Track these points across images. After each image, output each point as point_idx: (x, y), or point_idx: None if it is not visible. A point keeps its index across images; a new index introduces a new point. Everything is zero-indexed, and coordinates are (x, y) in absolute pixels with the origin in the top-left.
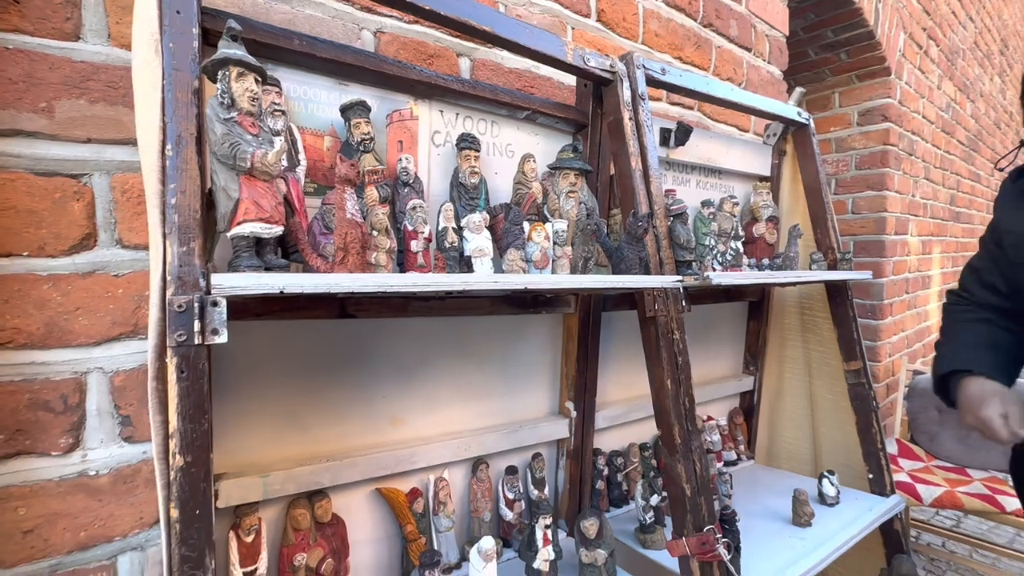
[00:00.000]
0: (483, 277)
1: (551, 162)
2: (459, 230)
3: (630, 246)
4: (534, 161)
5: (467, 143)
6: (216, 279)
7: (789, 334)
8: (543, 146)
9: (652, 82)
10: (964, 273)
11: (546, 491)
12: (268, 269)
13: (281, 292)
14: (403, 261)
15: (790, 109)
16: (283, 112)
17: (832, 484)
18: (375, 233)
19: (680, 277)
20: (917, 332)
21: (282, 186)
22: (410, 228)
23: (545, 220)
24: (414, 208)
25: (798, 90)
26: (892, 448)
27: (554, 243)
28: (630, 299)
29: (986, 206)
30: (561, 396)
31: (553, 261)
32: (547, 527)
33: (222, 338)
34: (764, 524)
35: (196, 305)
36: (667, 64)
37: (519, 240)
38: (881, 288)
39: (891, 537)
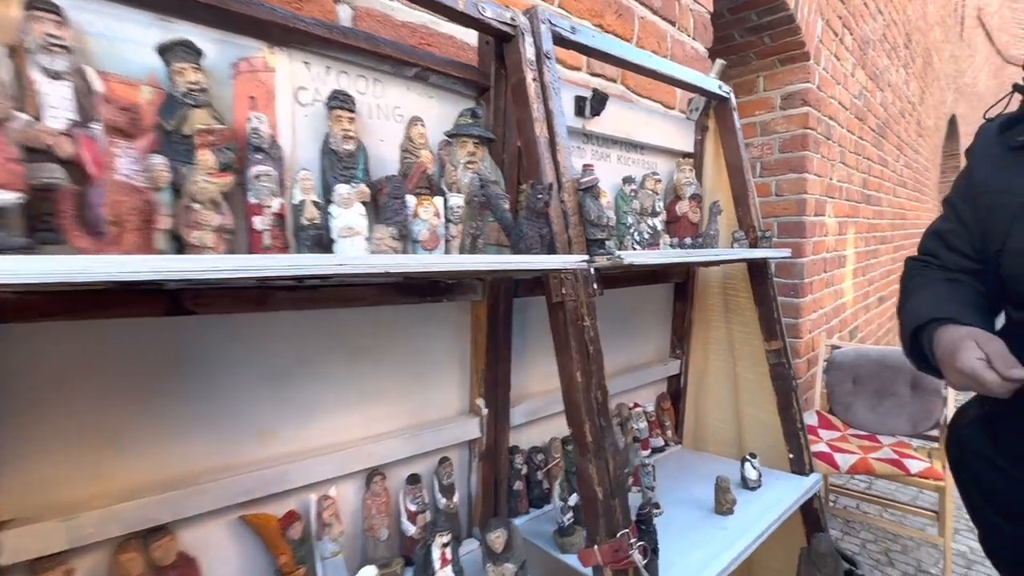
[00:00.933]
0: (307, 260)
1: (448, 129)
2: (323, 204)
3: (530, 222)
4: (422, 125)
5: (338, 102)
6: None
7: (713, 315)
8: (439, 111)
9: (561, 41)
10: (926, 239)
11: (455, 498)
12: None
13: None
14: (248, 243)
15: (711, 81)
16: (66, 48)
17: (754, 467)
18: (197, 207)
19: (587, 257)
20: (834, 309)
21: (65, 146)
22: (253, 201)
23: (440, 195)
24: (258, 176)
25: (719, 62)
26: (812, 420)
27: (448, 220)
28: (544, 284)
29: (892, 190)
30: (471, 392)
31: (447, 242)
32: (445, 546)
33: None
34: (687, 514)
35: None
36: (585, 30)
37: (398, 216)
38: (802, 268)
39: (810, 516)
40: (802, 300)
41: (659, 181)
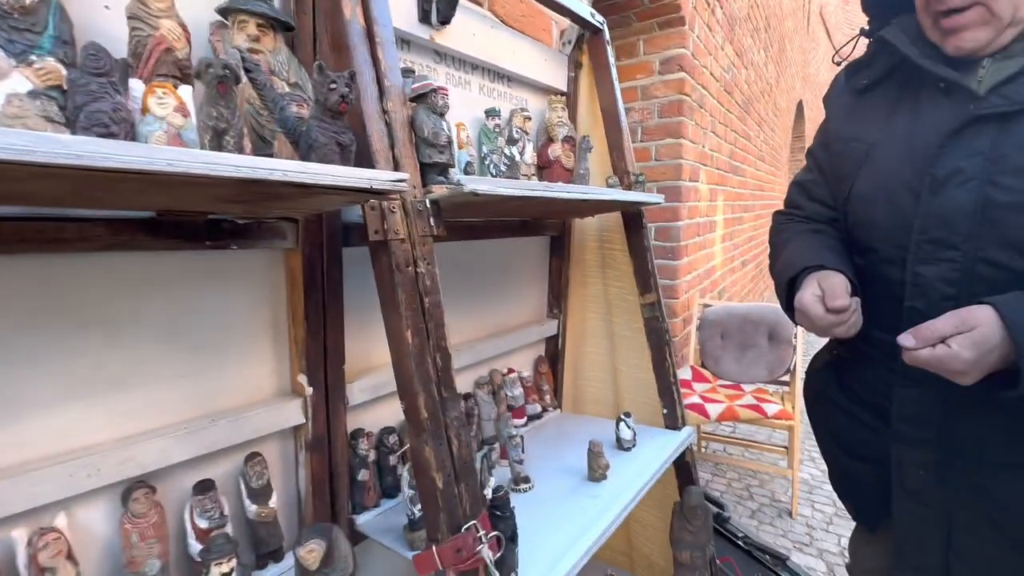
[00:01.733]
0: None
1: (221, 4)
2: None
3: (322, 124)
4: None
5: None
6: None
7: (591, 271)
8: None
9: None
10: (791, 191)
11: (272, 502)
12: None
13: None
14: None
15: (583, 7)
16: None
17: (629, 427)
18: None
19: (405, 175)
20: (707, 271)
21: None
22: None
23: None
24: None
25: None
26: (687, 375)
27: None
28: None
29: (754, 163)
30: (291, 368)
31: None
32: (225, 575)
33: None
34: (560, 484)
35: None
36: None
37: (98, 105)
38: (678, 231)
39: (683, 469)
40: (679, 262)
41: (529, 119)
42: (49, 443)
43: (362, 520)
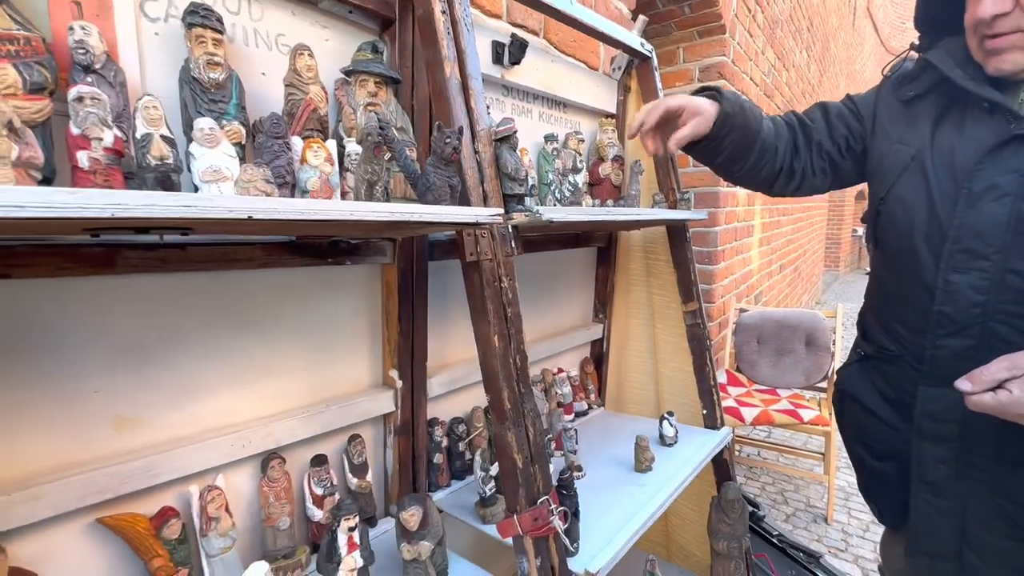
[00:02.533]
0: (131, 198)
1: (346, 65)
2: (174, 140)
3: (437, 170)
4: (311, 55)
5: (199, 17)
6: None
7: (635, 279)
8: (334, 44)
9: None
10: (813, 106)
11: (369, 477)
12: None
13: None
14: (73, 183)
15: (634, 38)
16: None
17: (671, 425)
18: None
19: (501, 210)
20: (743, 275)
21: None
22: (75, 132)
23: (334, 139)
24: (80, 98)
25: (641, 18)
26: (723, 378)
27: (345, 169)
28: (458, 243)
29: None
30: (384, 364)
31: (343, 194)
32: (351, 529)
33: None
34: (609, 473)
35: None
36: None
37: (277, 160)
38: (716, 236)
39: (720, 466)
40: (715, 267)
41: (582, 140)
42: (215, 419)
43: (437, 497)
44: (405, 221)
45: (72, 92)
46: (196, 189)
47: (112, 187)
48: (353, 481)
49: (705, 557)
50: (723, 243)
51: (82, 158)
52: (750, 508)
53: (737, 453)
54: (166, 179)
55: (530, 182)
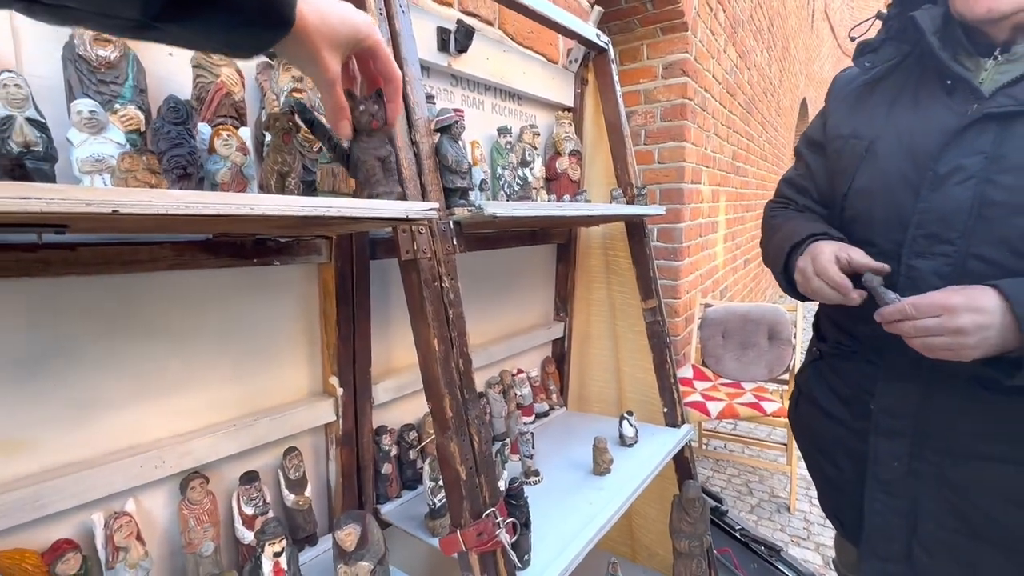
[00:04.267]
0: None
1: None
2: (41, 124)
3: (363, 144)
4: None
5: None
6: None
7: (595, 277)
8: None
9: None
10: (781, 186)
11: (307, 492)
12: None
13: None
14: None
15: (589, 29)
16: None
17: (631, 425)
18: None
19: (435, 204)
20: (708, 271)
21: None
22: None
23: (257, 138)
24: None
25: (597, 9)
26: (688, 373)
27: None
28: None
29: (756, 163)
30: (323, 371)
31: (262, 191)
32: (278, 555)
33: None
34: (567, 477)
35: None
36: None
37: (179, 151)
38: (680, 232)
39: (681, 464)
40: (680, 263)
41: (537, 134)
42: (121, 438)
43: (386, 509)
44: (323, 216)
45: None
46: (78, 182)
47: None
48: (290, 498)
49: (667, 555)
50: (688, 239)
51: None
52: (713, 503)
53: (704, 446)
54: (20, 168)
55: (479, 176)
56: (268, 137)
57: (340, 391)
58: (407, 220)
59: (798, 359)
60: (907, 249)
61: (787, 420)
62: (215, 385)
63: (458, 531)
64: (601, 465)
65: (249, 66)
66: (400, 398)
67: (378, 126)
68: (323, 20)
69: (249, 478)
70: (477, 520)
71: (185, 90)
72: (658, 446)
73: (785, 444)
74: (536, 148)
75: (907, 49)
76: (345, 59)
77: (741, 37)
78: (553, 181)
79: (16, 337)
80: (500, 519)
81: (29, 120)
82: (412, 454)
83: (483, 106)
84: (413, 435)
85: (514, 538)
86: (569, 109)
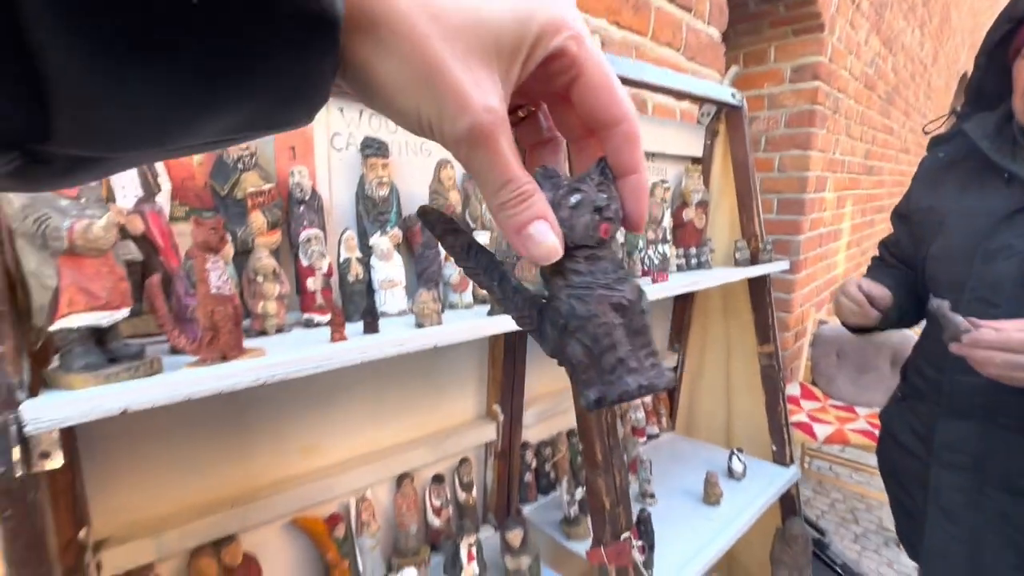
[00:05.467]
0: (376, 343)
1: None
2: (364, 259)
3: (574, 280)
4: (451, 167)
5: (373, 150)
6: (26, 409)
7: (712, 315)
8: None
9: None
10: (879, 247)
11: (474, 493)
12: (113, 360)
13: (124, 412)
14: (301, 302)
15: (724, 91)
16: None
17: (740, 460)
18: (260, 279)
19: None
20: (826, 282)
21: (138, 224)
22: (305, 264)
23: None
24: (308, 240)
25: (733, 69)
26: (795, 391)
27: None
28: None
29: (895, 157)
30: (488, 399)
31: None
32: (471, 545)
33: (56, 462)
34: (678, 503)
35: (13, 428)
36: (603, 30)
37: (432, 268)
38: (798, 245)
39: (787, 502)
40: (796, 276)
41: (668, 189)
42: (366, 447)
43: (526, 510)
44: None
45: (303, 235)
46: (373, 292)
47: (326, 301)
48: (462, 496)
49: None
50: (806, 251)
51: (309, 283)
52: (815, 534)
53: (806, 467)
54: (364, 293)
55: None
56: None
57: (501, 416)
58: None
59: None
60: (962, 310)
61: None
62: (422, 410)
63: (602, 548)
64: (712, 496)
65: (459, 175)
66: (539, 422)
67: (610, 234)
68: (444, 11)
69: (438, 480)
70: (616, 540)
71: (422, 201)
72: (765, 483)
73: None
74: (666, 203)
75: (975, 144)
76: (515, 87)
77: (888, 21)
78: (679, 228)
79: (313, 382)
80: (634, 542)
81: (358, 259)
82: (547, 467)
83: None
84: (548, 451)
85: (643, 558)
86: (697, 160)
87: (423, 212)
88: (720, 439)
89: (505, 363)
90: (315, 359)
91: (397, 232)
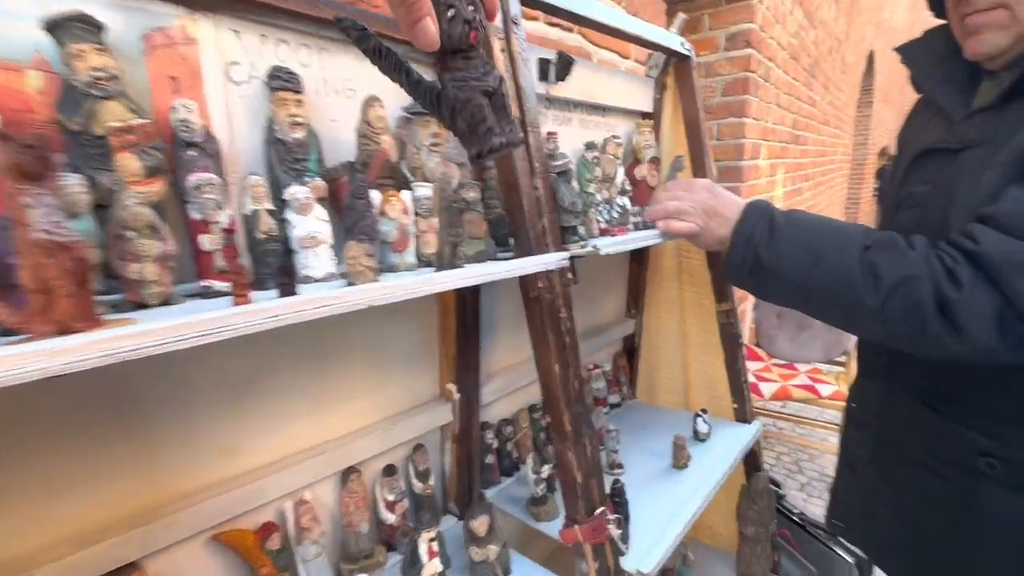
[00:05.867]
0: (291, 305)
1: (407, 104)
2: (277, 214)
3: (458, 75)
4: (381, 106)
5: (281, 82)
6: None
7: (667, 276)
8: (395, 85)
9: (527, 1)
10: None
11: (431, 481)
12: None
13: None
14: (197, 267)
15: (673, 38)
16: None
17: (705, 422)
18: (132, 235)
19: (567, 255)
20: None
21: None
22: (196, 217)
23: (403, 186)
24: (199, 186)
25: (680, 16)
26: None
27: (416, 214)
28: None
29: (817, 128)
30: (442, 378)
31: (416, 237)
32: (432, 540)
33: None
34: (648, 469)
35: None
36: None
37: (365, 222)
38: None
39: (750, 458)
40: None
41: (620, 145)
42: (301, 443)
43: (490, 494)
44: (479, 281)
45: (191, 180)
46: (291, 253)
47: (231, 264)
48: (418, 486)
49: (730, 534)
50: None
51: (204, 241)
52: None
53: None
54: (281, 254)
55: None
56: (422, 193)
57: (457, 396)
58: (539, 272)
59: (855, 341)
60: None
61: (842, 404)
62: (367, 395)
63: (576, 526)
64: (680, 460)
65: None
66: (499, 398)
67: (476, 40)
68: None
69: (390, 471)
70: (591, 516)
71: (348, 150)
72: (731, 442)
73: (837, 424)
74: (619, 159)
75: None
76: None
77: None
78: (633, 187)
79: (230, 369)
80: (609, 516)
81: (268, 211)
82: (509, 445)
83: (570, 123)
84: (510, 429)
85: (620, 531)
86: (648, 115)
87: (336, 19)
88: (680, 401)
89: (458, 337)
90: (203, 326)
91: (320, 183)
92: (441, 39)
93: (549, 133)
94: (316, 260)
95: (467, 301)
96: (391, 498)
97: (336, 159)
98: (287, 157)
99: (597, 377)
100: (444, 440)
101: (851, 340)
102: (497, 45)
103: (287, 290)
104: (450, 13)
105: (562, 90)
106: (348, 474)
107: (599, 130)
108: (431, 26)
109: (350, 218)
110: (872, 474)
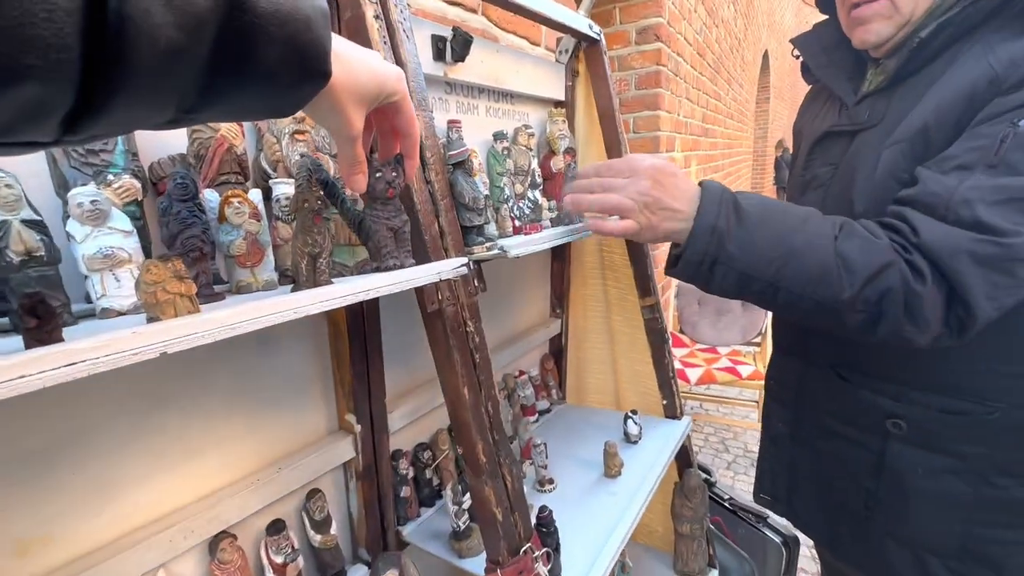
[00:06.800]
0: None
1: None
2: (39, 223)
3: (375, 213)
4: None
5: None
6: None
7: (590, 273)
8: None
9: None
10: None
11: (333, 530)
12: None
13: None
14: None
15: (581, 20)
16: None
17: (635, 423)
18: None
19: (464, 260)
20: None
21: None
22: None
23: (257, 185)
24: None
25: None
26: None
27: (278, 218)
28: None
29: (723, 122)
30: (339, 409)
31: (276, 249)
32: None
33: None
34: (579, 481)
35: None
36: None
37: (191, 231)
38: None
39: (682, 454)
40: None
41: (532, 135)
42: (147, 513)
43: (407, 531)
44: (345, 302)
45: None
46: (86, 279)
47: None
48: (316, 538)
49: (666, 532)
50: None
51: None
52: (704, 476)
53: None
54: (51, 282)
55: (483, 190)
56: (282, 191)
57: (358, 428)
58: (438, 282)
59: (770, 322)
60: None
61: (760, 383)
62: (233, 443)
63: (498, 570)
64: (613, 468)
65: None
66: (411, 422)
67: (394, 195)
68: (349, 73)
69: (276, 528)
70: (515, 557)
71: (180, 147)
72: (662, 440)
73: (756, 402)
74: (532, 150)
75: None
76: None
77: None
78: (548, 181)
79: (22, 433)
80: (536, 552)
81: (25, 222)
82: (428, 472)
83: (477, 111)
84: (427, 454)
85: (549, 566)
86: (560, 103)
87: (317, 170)
88: (611, 401)
89: (354, 360)
90: None
91: (131, 182)
92: (368, 189)
93: (451, 121)
94: (116, 287)
95: (363, 319)
96: (280, 560)
97: (162, 152)
98: (77, 149)
99: (524, 384)
100: (348, 479)
101: (766, 321)
102: (370, 11)
103: (36, 336)
104: (377, 175)
105: (463, 72)
106: (218, 542)
107: (509, 119)
108: (363, 180)
109: (171, 228)
110: (793, 446)
